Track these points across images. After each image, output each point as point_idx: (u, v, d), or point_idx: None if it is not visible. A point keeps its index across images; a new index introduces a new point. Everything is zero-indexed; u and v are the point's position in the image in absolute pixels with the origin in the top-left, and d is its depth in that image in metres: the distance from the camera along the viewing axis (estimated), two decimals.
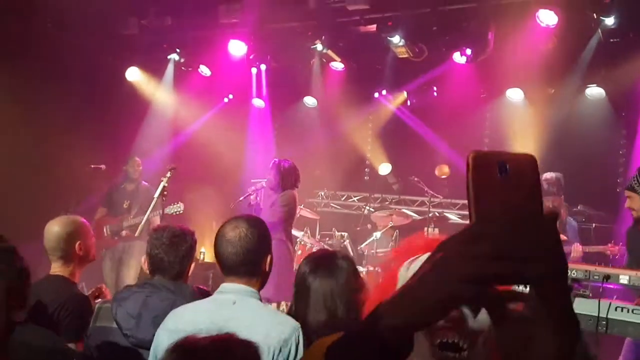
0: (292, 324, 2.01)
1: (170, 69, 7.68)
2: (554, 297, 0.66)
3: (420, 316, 0.66)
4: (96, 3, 6.21)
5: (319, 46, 6.63)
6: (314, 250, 6.27)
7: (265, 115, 8.44)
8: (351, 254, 7.00)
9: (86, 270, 3.06)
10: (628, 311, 3.25)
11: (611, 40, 5.65)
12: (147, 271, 2.56)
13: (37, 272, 2.47)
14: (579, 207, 6.47)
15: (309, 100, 8.13)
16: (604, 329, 3.23)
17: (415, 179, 7.11)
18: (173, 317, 2.10)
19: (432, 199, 7.16)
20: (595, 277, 3.43)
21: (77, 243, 2.82)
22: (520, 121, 6.89)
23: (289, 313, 2.21)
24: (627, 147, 6.70)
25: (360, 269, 6.33)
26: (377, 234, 6.73)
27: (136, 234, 5.45)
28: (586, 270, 3.46)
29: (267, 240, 2.17)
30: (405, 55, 6.42)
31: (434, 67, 6.83)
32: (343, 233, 6.84)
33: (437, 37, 6.14)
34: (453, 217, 7.41)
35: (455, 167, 7.34)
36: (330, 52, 6.82)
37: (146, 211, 5.72)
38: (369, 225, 7.43)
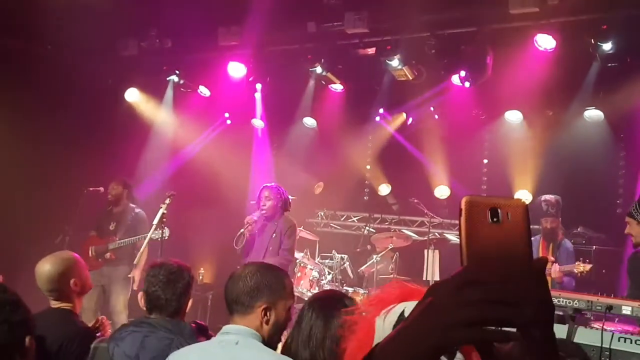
0: None
1: (169, 90, 7.71)
2: (540, 341, 0.69)
3: None
4: (96, 25, 6.22)
5: (318, 69, 6.65)
6: (314, 273, 6.26)
7: (264, 135, 8.45)
8: (351, 275, 6.97)
9: None
10: (631, 342, 3.22)
11: (609, 64, 5.69)
12: (144, 308, 2.53)
13: (35, 297, 2.42)
14: (578, 229, 6.46)
15: (308, 121, 8.15)
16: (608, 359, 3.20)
17: (415, 200, 7.09)
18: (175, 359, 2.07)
19: (431, 220, 7.15)
20: (598, 307, 3.41)
21: (72, 281, 2.76)
22: (519, 143, 6.90)
23: (285, 342, 2.20)
24: (626, 168, 6.69)
25: (360, 290, 6.32)
26: (377, 257, 6.70)
27: (135, 262, 5.39)
28: (588, 301, 3.45)
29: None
30: (404, 78, 6.45)
31: (433, 89, 6.86)
32: (343, 255, 6.80)
33: (436, 61, 6.17)
34: (453, 238, 7.37)
35: (455, 188, 7.34)
36: (329, 75, 6.84)
37: (132, 235, 5.81)
38: (368, 246, 7.40)
